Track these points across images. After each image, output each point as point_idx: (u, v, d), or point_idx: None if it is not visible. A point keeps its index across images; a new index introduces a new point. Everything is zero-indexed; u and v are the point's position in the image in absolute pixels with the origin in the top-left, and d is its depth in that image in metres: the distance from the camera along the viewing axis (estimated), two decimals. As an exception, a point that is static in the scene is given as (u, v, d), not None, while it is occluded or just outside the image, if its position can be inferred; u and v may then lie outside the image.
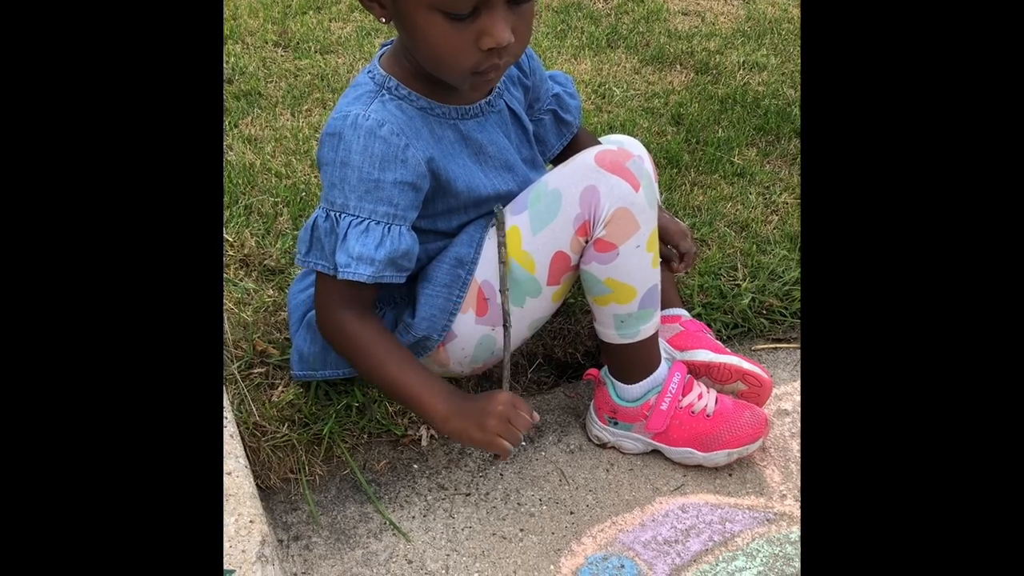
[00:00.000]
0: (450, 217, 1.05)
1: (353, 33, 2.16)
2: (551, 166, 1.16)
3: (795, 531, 1.05)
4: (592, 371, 1.14)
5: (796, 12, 2.48)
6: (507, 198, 1.06)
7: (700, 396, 1.11)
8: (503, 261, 1.02)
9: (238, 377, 1.12)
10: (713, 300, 1.34)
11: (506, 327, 1.04)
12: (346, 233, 0.94)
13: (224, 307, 1.21)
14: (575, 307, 1.30)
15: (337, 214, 0.95)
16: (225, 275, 1.28)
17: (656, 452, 1.13)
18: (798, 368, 1.29)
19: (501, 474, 1.11)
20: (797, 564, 1.01)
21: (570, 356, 1.29)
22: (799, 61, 2.14)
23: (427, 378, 0.97)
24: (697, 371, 1.16)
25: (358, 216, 0.94)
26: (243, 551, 0.85)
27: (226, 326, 1.18)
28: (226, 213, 1.41)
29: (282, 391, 1.12)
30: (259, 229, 1.38)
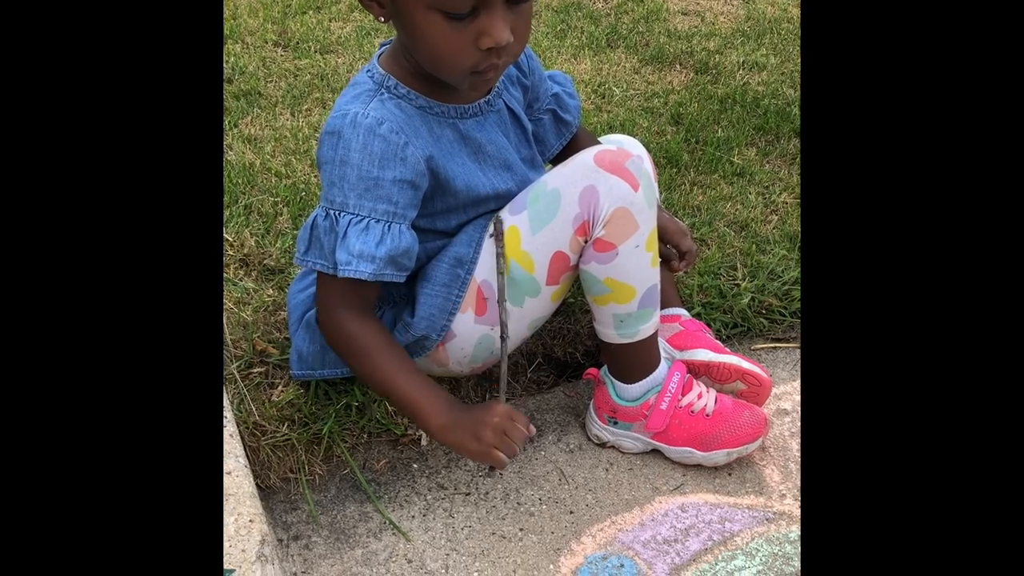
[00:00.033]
0: (449, 216, 1.05)
1: (353, 33, 2.16)
2: (550, 166, 1.16)
3: (794, 530, 1.05)
4: (592, 370, 1.15)
5: (796, 12, 2.48)
6: (506, 197, 1.06)
7: (700, 396, 1.11)
8: (501, 272, 1.02)
9: (238, 377, 1.12)
10: (713, 300, 1.34)
11: (503, 338, 1.03)
12: (346, 231, 0.94)
13: (224, 307, 1.21)
14: (575, 306, 1.30)
15: (337, 212, 0.95)
16: (225, 275, 1.28)
17: (656, 451, 1.13)
18: (797, 368, 1.29)
19: (501, 473, 1.11)
20: (796, 563, 1.01)
21: (570, 355, 1.29)
22: (799, 61, 2.14)
23: (425, 386, 0.97)
24: (696, 370, 1.16)
25: (358, 214, 0.94)
26: (243, 550, 0.85)
27: (226, 326, 1.18)
28: (226, 213, 1.41)
29: (282, 391, 1.12)
30: (259, 229, 1.38)
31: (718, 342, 1.20)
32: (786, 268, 1.40)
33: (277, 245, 1.35)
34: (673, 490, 1.10)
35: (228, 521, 0.88)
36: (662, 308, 1.14)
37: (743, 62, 2.13)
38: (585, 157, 1.01)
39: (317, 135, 1.66)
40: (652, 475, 1.12)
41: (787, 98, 1.97)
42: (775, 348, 1.33)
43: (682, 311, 1.23)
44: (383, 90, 0.98)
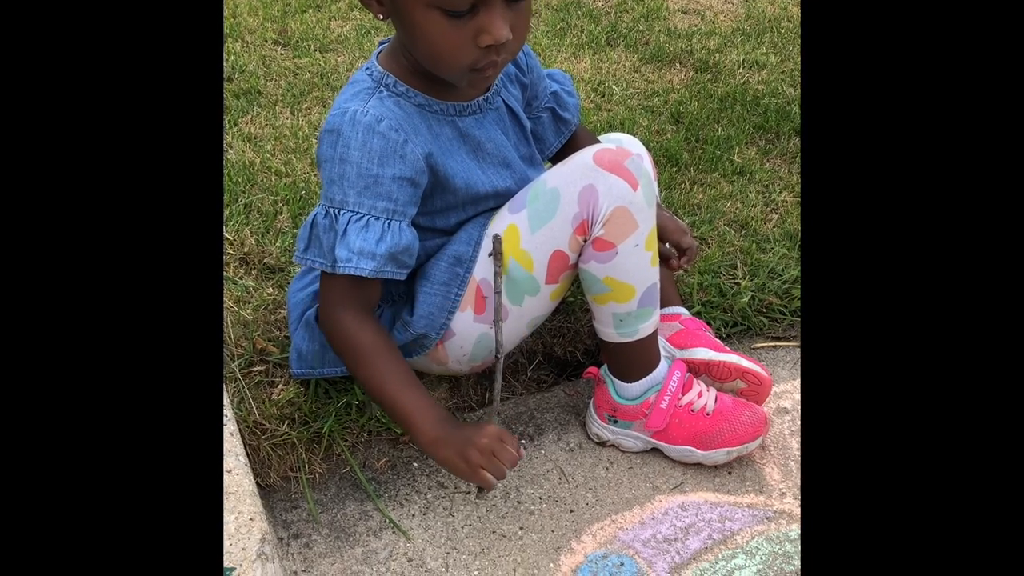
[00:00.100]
0: (448, 214, 1.05)
1: (353, 31, 2.16)
2: (550, 164, 1.16)
3: (794, 529, 1.05)
4: (592, 369, 1.15)
5: (796, 10, 2.48)
6: (505, 195, 1.06)
7: (700, 394, 1.11)
8: (498, 291, 1.02)
9: (238, 375, 1.12)
10: (713, 298, 1.34)
11: (498, 357, 1.01)
12: (346, 229, 0.94)
13: (224, 305, 1.21)
14: (574, 305, 1.30)
15: (336, 210, 0.95)
16: (225, 273, 1.28)
17: (656, 450, 1.13)
18: (797, 366, 1.29)
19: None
20: (796, 562, 1.01)
21: (569, 354, 1.29)
22: (799, 60, 2.14)
23: (419, 397, 0.96)
24: (696, 369, 1.17)
25: (357, 212, 0.94)
26: (243, 549, 0.85)
27: (226, 324, 1.18)
28: (226, 211, 1.41)
29: (282, 389, 1.12)
30: (259, 227, 1.38)
31: (718, 341, 1.20)
32: (786, 267, 1.40)
33: (277, 244, 1.35)
34: (673, 489, 1.10)
35: (228, 519, 0.88)
36: (662, 307, 1.14)
37: (743, 61, 2.13)
38: (584, 156, 1.01)
39: (317, 133, 1.65)
40: (652, 474, 1.12)
41: (787, 97, 1.97)
42: (775, 347, 1.33)
43: (682, 310, 1.23)
44: (382, 88, 0.98)
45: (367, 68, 1.00)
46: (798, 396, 1.23)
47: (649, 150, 1.30)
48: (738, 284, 1.36)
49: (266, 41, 2.08)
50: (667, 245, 1.15)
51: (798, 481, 1.11)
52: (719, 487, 1.10)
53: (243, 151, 1.60)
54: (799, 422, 1.19)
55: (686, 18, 2.40)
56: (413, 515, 1.05)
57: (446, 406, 1.19)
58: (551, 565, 1.00)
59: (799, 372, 1.27)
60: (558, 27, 2.26)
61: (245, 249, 1.33)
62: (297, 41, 2.09)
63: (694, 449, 1.10)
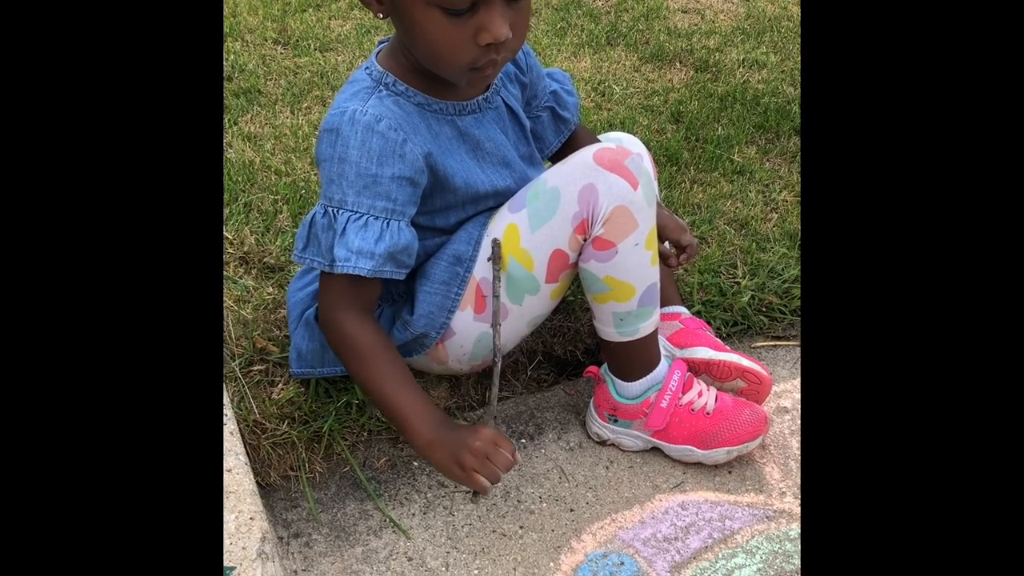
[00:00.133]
0: (448, 214, 1.05)
1: (353, 31, 2.16)
2: (549, 163, 1.16)
3: (795, 528, 1.05)
4: (592, 368, 1.15)
5: (796, 10, 2.48)
6: (505, 195, 1.06)
7: (700, 394, 1.11)
8: (496, 295, 1.02)
9: (238, 374, 1.12)
10: (713, 298, 1.34)
11: (495, 360, 1.01)
12: (344, 228, 0.94)
13: (224, 304, 1.21)
14: (575, 304, 1.30)
15: (335, 210, 0.95)
16: (225, 273, 1.28)
17: (656, 449, 1.13)
18: (797, 365, 1.29)
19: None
20: (797, 561, 1.01)
21: (570, 354, 1.29)
22: (799, 59, 2.14)
23: (416, 399, 0.95)
24: (697, 368, 1.17)
25: (356, 211, 0.94)
26: (243, 548, 0.85)
27: (226, 323, 1.18)
28: (226, 211, 1.41)
29: (282, 388, 1.12)
30: (259, 227, 1.38)
31: (718, 340, 1.20)
32: (786, 266, 1.40)
33: (277, 243, 1.35)
34: (673, 488, 1.10)
35: (228, 519, 0.88)
36: (662, 306, 1.14)
37: (743, 60, 2.13)
38: (584, 155, 1.01)
39: (317, 133, 1.65)
40: (652, 473, 1.12)
41: (787, 96, 1.97)
42: (775, 346, 1.33)
43: (682, 309, 1.23)
44: (381, 87, 0.98)
45: (366, 67, 1.00)
46: (798, 395, 1.23)
47: (649, 149, 1.29)
48: (738, 283, 1.36)
49: (266, 40, 2.08)
50: (666, 244, 1.15)
51: (798, 480, 1.11)
52: (719, 486, 1.10)
53: (243, 150, 1.60)
54: (799, 421, 1.19)
55: (686, 17, 2.40)
56: (413, 514, 1.05)
57: (446, 405, 1.19)
58: (551, 564, 1.00)
59: (799, 371, 1.27)
60: (558, 26, 2.26)
61: (245, 248, 1.33)
62: (297, 40, 2.09)
63: (694, 448, 1.10)
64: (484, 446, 0.91)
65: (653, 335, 1.09)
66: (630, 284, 1.03)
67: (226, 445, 0.97)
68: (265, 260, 1.32)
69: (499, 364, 1.00)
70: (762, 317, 1.34)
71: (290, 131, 1.68)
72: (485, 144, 1.04)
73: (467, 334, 1.06)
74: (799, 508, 1.07)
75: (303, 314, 1.09)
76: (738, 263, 1.40)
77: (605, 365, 1.13)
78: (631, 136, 1.28)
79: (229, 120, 1.72)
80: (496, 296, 1.02)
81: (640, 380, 1.10)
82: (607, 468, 1.12)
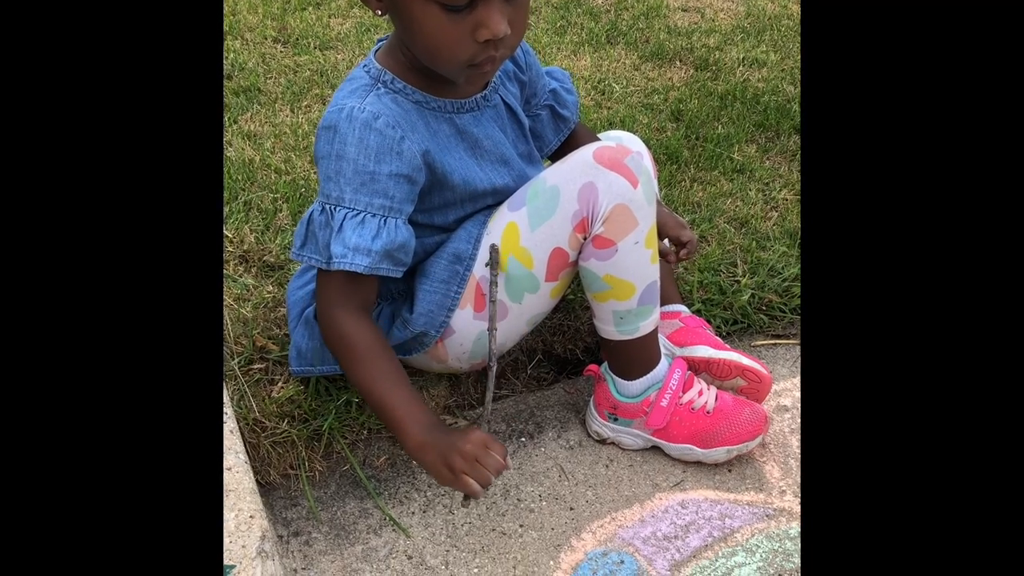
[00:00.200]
0: (447, 211, 1.05)
1: (352, 29, 2.16)
2: (549, 162, 1.16)
3: (795, 527, 1.05)
4: (592, 367, 1.15)
5: (796, 8, 2.48)
6: (503, 193, 1.06)
7: (700, 393, 1.11)
8: (493, 300, 1.01)
9: (238, 373, 1.12)
10: (713, 296, 1.34)
11: (490, 365, 1.00)
12: (342, 225, 0.94)
13: (224, 303, 1.21)
14: (575, 303, 1.30)
15: (333, 207, 0.95)
16: (225, 271, 1.28)
17: (655, 448, 1.13)
18: (797, 364, 1.29)
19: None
20: (797, 560, 1.01)
21: (570, 352, 1.29)
22: (799, 57, 2.13)
23: (410, 401, 0.94)
24: (696, 367, 1.17)
25: (354, 208, 0.94)
26: (243, 547, 0.85)
27: (226, 322, 1.18)
28: (226, 209, 1.41)
29: (282, 387, 1.12)
30: (258, 225, 1.38)
31: (718, 339, 1.20)
32: (786, 264, 1.40)
33: (277, 241, 1.35)
34: (673, 486, 1.10)
35: (228, 517, 0.88)
36: (662, 304, 1.15)
37: (743, 59, 2.13)
38: (584, 154, 1.01)
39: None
40: (652, 471, 1.12)
41: (787, 95, 1.97)
42: (775, 344, 1.33)
43: (682, 307, 1.23)
44: (379, 85, 0.98)
45: (365, 65, 1.00)
46: (798, 394, 1.23)
47: (649, 148, 1.29)
48: (738, 282, 1.36)
49: (266, 39, 2.08)
50: (666, 242, 1.15)
51: (798, 479, 1.11)
52: (719, 485, 1.10)
53: (243, 149, 1.60)
54: (799, 420, 1.19)
55: (686, 16, 2.40)
56: (413, 513, 1.05)
57: (446, 404, 1.19)
58: (551, 563, 1.00)
59: (799, 370, 1.27)
60: (558, 25, 2.26)
61: (245, 247, 1.33)
62: (297, 39, 2.08)
63: (694, 447, 1.10)
64: (474, 449, 0.89)
65: (653, 334, 1.09)
66: (630, 282, 1.03)
67: (226, 443, 0.97)
68: (265, 258, 1.32)
69: (494, 368, 1.00)
70: (762, 315, 1.34)
71: (290, 129, 1.68)
72: (483, 142, 1.04)
73: (467, 332, 1.06)
74: (799, 507, 1.07)
75: (303, 312, 1.09)
76: (738, 261, 1.40)
77: (605, 363, 1.13)
78: (631, 134, 1.28)
79: (229, 118, 1.72)
80: (493, 301, 1.01)
81: (640, 379, 1.10)
82: (607, 467, 1.12)
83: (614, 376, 1.11)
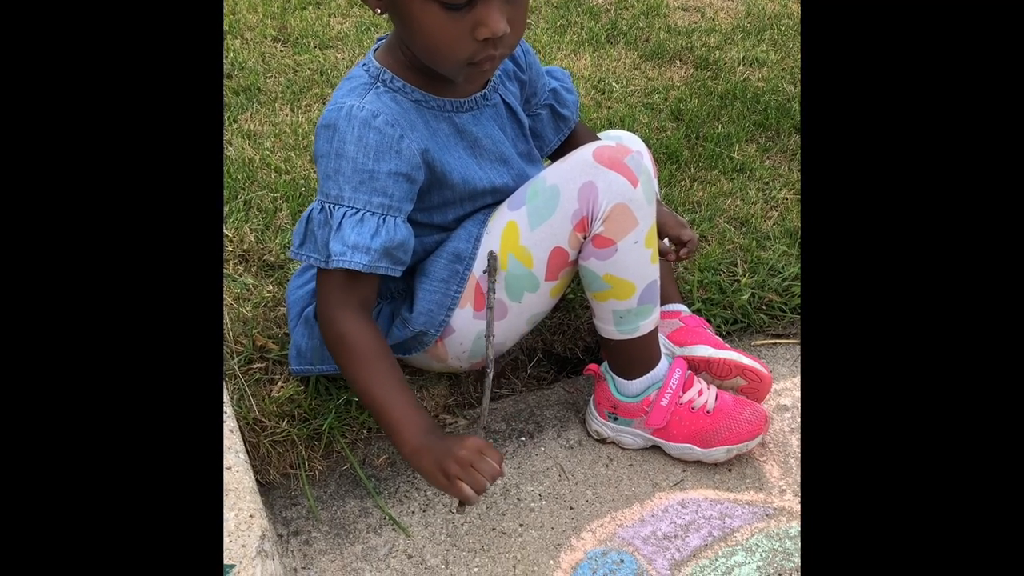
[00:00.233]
0: (446, 210, 1.04)
1: (352, 28, 2.16)
2: (549, 161, 1.16)
3: (794, 526, 1.05)
4: (592, 366, 1.15)
5: (796, 8, 2.48)
6: (503, 192, 1.06)
7: (700, 392, 1.11)
8: (490, 307, 1.01)
9: (238, 372, 1.12)
10: (713, 296, 1.34)
11: (487, 372, 0.99)
12: (340, 223, 0.94)
13: (224, 302, 1.21)
14: (575, 302, 1.30)
15: (332, 205, 0.94)
16: (224, 270, 1.28)
17: (655, 447, 1.13)
18: (797, 364, 1.29)
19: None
20: (797, 559, 1.01)
21: (569, 351, 1.29)
22: (799, 57, 2.13)
23: (406, 405, 0.94)
24: (696, 366, 1.17)
25: (353, 207, 0.94)
26: (243, 546, 0.85)
27: (226, 321, 1.18)
28: (225, 208, 1.41)
29: (282, 386, 1.12)
30: (258, 224, 1.38)
31: (718, 338, 1.20)
32: (786, 264, 1.40)
33: (276, 241, 1.35)
34: (673, 486, 1.10)
35: (228, 517, 0.88)
36: (662, 304, 1.14)
37: (743, 58, 2.13)
38: (584, 153, 1.00)
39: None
40: (652, 471, 1.12)
41: (787, 94, 1.97)
42: (775, 344, 1.33)
43: (682, 307, 1.23)
44: (379, 83, 0.98)
45: (364, 64, 1.00)
46: (798, 393, 1.23)
47: (649, 147, 1.29)
48: (738, 281, 1.36)
49: (265, 38, 2.08)
50: (666, 241, 1.15)
51: (798, 478, 1.11)
52: (719, 484, 1.10)
53: (243, 148, 1.60)
54: (799, 419, 1.19)
55: (686, 15, 2.40)
56: (413, 512, 1.05)
57: (445, 403, 1.19)
58: (551, 562, 1.00)
59: (799, 369, 1.27)
60: (558, 24, 2.26)
61: (245, 246, 1.33)
62: (297, 38, 2.08)
63: (694, 447, 1.10)
64: (470, 455, 0.88)
65: (653, 333, 1.09)
66: (630, 282, 1.03)
67: (226, 443, 0.97)
68: (265, 258, 1.32)
69: (491, 374, 0.99)
70: (762, 315, 1.34)
71: (290, 129, 1.68)
72: (483, 141, 1.04)
73: (466, 331, 1.06)
74: (799, 506, 1.07)
75: (303, 312, 1.09)
76: (738, 261, 1.40)
77: (605, 363, 1.13)
78: (631, 134, 1.28)
79: (229, 118, 1.72)
80: (491, 308, 1.01)
81: (640, 378, 1.10)
82: (607, 466, 1.12)
83: (614, 375, 1.11)
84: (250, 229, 1.36)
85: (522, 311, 1.07)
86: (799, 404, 1.21)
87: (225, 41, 2.03)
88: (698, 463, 1.12)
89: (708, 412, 1.10)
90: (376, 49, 1.02)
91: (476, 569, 0.99)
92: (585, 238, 1.01)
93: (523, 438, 1.16)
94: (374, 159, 0.94)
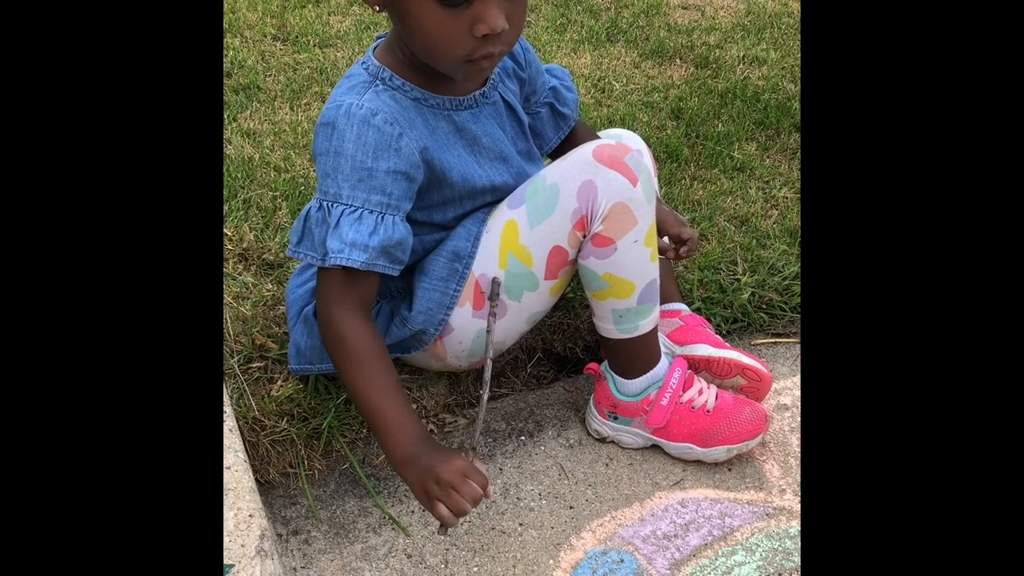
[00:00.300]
0: (445, 209, 1.04)
1: (352, 27, 2.16)
2: (549, 160, 1.16)
3: (794, 525, 1.05)
4: (592, 365, 1.14)
5: (796, 6, 2.47)
6: (502, 190, 1.06)
7: (700, 392, 1.11)
8: (489, 331, 1.01)
9: (237, 371, 1.12)
10: (713, 295, 1.34)
11: (481, 392, 0.98)
12: (338, 221, 0.93)
13: (223, 301, 1.21)
14: (575, 301, 1.30)
15: (330, 203, 0.94)
16: (224, 269, 1.28)
17: (655, 447, 1.13)
18: (798, 363, 1.29)
19: (500, 469, 1.11)
20: (796, 558, 1.01)
21: (569, 351, 1.29)
22: (799, 55, 2.13)
23: (400, 411, 0.92)
24: (696, 366, 1.16)
25: (351, 205, 0.94)
26: (242, 545, 0.85)
27: (225, 320, 1.18)
28: (225, 207, 1.41)
29: (281, 385, 1.12)
30: (258, 223, 1.38)
31: (718, 337, 1.20)
32: (786, 263, 1.40)
33: (276, 239, 1.35)
34: (673, 485, 1.10)
35: (227, 516, 0.88)
36: (662, 303, 1.14)
37: (743, 57, 2.13)
38: (584, 152, 1.00)
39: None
40: (652, 470, 1.12)
41: (787, 93, 1.97)
42: (775, 343, 1.33)
43: (682, 306, 1.23)
44: (378, 81, 0.98)
45: (363, 62, 1.00)
46: (798, 392, 1.23)
47: (649, 146, 1.29)
48: (738, 280, 1.36)
49: (265, 36, 2.08)
50: (666, 239, 1.15)
51: (798, 478, 1.11)
52: (719, 484, 1.10)
53: (242, 147, 1.60)
54: (799, 419, 1.19)
55: (686, 14, 2.40)
56: (412, 511, 1.05)
57: (445, 403, 1.19)
58: (551, 562, 1.00)
59: (799, 368, 1.27)
60: (558, 22, 2.26)
61: (244, 245, 1.33)
62: (296, 36, 2.08)
63: (694, 446, 1.10)
64: (452, 478, 0.86)
65: (653, 332, 1.08)
66: (629, 281, 1.03)
67: (225, 442, 0.97)
68: (264, 256, 1.32)
69: (486, 395, 0.97)
70: (762, 314, 1.34)
71: (289, 127, 1.68)
72: (482, 139, 1.04)
73: (466, 330, 1.06)
74: (799, 505, 1.07)
75: (302, 310, 1.09)
76: (738, 260, 1.40)
77: (605, 362, 1.13)
78: (631, 132, 1.28)
79: (228, 116, 1.72)
80: (489, 332, 1.01)
81: (640, 377, 1.10)
82: (607, 465, 1.12)
83: (614, 375, 1.11)
84: (249, 228, 1.36)
85: (522, 310, 1.06)
86: (799, 403, 1.21)
87: (225, 39, 2.03)
88: (698, 462, 1.12)
89: (708, 411, 1.10)
90: (375, 47, 1.02)
91: (476, 568, 0.99)
92: (584, 237, 1.01)
93: (523, 437, 1.16)
94: (373, 157, 0.93)
